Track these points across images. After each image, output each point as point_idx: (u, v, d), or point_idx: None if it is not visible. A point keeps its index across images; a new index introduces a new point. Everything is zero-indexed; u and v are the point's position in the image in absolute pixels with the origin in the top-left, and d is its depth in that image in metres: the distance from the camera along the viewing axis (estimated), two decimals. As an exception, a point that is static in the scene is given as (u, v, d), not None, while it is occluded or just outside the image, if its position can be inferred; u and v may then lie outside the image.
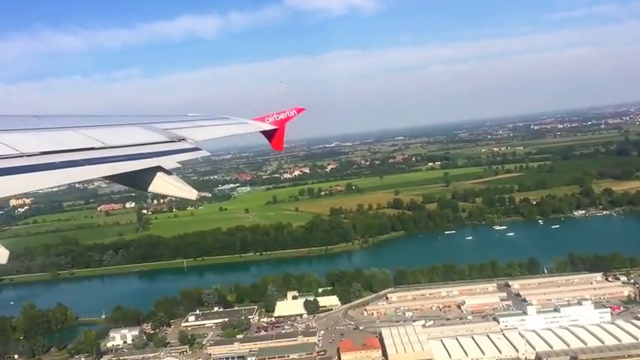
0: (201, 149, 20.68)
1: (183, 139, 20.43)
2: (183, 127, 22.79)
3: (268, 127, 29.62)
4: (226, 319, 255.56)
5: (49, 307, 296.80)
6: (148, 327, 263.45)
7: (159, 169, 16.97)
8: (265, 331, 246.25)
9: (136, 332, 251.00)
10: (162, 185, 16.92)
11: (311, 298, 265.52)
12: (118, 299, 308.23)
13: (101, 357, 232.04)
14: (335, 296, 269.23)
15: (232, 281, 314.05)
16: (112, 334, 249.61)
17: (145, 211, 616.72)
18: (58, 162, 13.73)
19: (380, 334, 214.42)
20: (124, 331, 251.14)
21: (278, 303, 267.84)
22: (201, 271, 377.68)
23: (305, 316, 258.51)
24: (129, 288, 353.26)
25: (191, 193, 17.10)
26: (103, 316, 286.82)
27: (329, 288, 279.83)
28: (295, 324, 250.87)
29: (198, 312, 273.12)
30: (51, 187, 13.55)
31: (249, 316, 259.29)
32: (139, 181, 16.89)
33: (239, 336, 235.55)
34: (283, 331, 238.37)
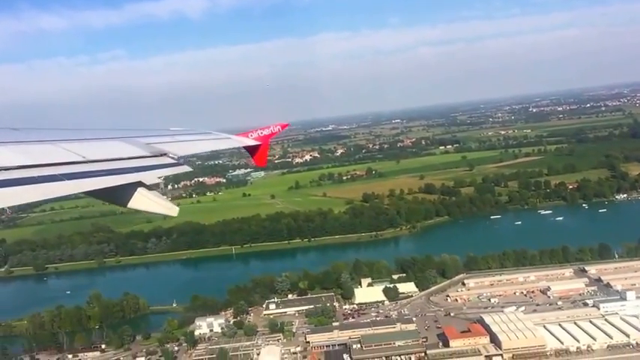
0: (182, 164, 20.56)
1: (165, 154, 20.20)
2: (164, 141, 22.64)
3: (251, 142, 29.37)
4: (310, 307, 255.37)
5: (110, 295, 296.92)
6: (227, 315, 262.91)
7: (139, 184, 16.81)
8: (353, 318, 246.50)
9: (221, 320, 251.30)
10: (143, 201, 16.74)
11: (390, 285, 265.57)
12: (180, 287, 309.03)
13: (194, 345, 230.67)
14: (412, 283, 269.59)
15: (285, 268, 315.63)
16: (198, 323, 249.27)
17: (165, 196, 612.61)
18: (36, 176, 13.53)
19: (481, 320, 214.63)
20: (210, 319, 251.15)
21: (356, 290, 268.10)
22: (250, 257, 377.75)
23: (386, 303, 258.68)
24: (184, 276, 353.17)
25: (172, 210, 17.18)
26: (175, 304, 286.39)
27: (402, 275, 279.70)
28: (380, 311, 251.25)
29: (276, 299, 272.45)
30: (27, 202, 13.17)
31: (327, 304, 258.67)
32: (119, 196, 16.64)
33: (335, 323, 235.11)
34: (378, 319, 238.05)
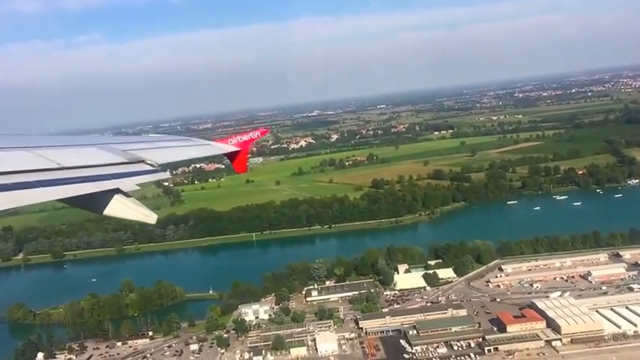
0: (161, 171, 20.29)
1: (142, 161, 20.05)
2: (143, 147, 22.49)
3: (231, 148, 29.21)
4: (353, 293, 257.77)
5: (139, 283, 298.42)
6: (268, 302, 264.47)
7: (117, 191, 16.66)
8: (397, 304, 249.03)
9: (266, 307, 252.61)
10: (120, 208, 16.58)
11: (430, 272, 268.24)
12: (211, 274, 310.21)
13: (246, 332, 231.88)
14: (450, 268, 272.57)
15: (311, 254, 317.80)
16: (244, 310, 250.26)
17: (165, 184, 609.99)
18: (9, 183, 13.39)
19: (533, 305, 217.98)
20: (256, 306, 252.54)
21: (396, 276, 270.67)
22: (271, 244, 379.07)
23: (427, 289, 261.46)
24: (210, 263, 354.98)
25: (150, 217, 16.86)
26: (211, 292, 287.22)
27: (438, 261, 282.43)
28: (423, 297, 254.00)
29: (316, 286, 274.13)
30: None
31: (371, 290, 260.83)
32: (95, 203, 16.44)
33: (384, 310, 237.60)
34: (428, 304, 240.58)
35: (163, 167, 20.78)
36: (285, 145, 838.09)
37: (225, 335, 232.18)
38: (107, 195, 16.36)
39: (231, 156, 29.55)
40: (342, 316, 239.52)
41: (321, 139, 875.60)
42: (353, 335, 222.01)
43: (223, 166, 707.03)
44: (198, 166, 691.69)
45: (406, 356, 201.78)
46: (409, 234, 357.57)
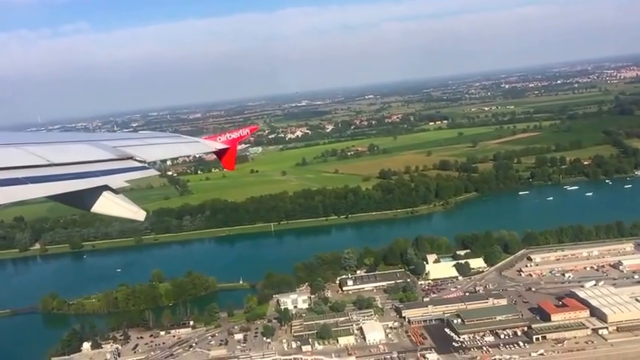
0: (150, 168, 20.47)
1: (131, 158, 20.24)
2: (132, 144, 22.66)
3: (220, 146, 29.34)
4: (389, 282, 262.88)
5: (166, 273, 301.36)
6: (302, 291, 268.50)
7: (105, 188, 16.77)
8: (433, 293, 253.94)
9: (304, 297, 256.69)
10: (109, 205, 16.65)
11: (462, 262, 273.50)
12: (236, 263, 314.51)
13: (289, 322, 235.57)
14: (480, 258, 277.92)
15: (331, 244, 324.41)
16: (282, 299, 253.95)
17: (169, 173, 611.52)
18: None
19: (573, 294, 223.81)
20: (294, 296, 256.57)
21: (428, 266, 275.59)
22: (290, 234, 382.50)
23: (460, 278, 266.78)
24: (230, 252, 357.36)
25: (138, 214, 16.86)
26: (241, 282, 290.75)
27: (466, 251, 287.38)
28: (458, 286, 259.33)
29: (350, 276, 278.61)
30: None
31: (407, 280, 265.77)
32: (84, 200, 16.54)
33: (425, 299, 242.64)
34: (467, 294, 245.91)
35: (153, 164, 21.22)
36: (282, 135, 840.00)
37: (266, 324, 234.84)
38: (96, 192, 16.48)
39: (220, 153, 29.75)
40: (380, 306, 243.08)
41: (316, 129, 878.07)
42: (397, 324, 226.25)
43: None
44: (198, 155, 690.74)
45: (455, 345, 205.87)
46: (427, 224, 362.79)
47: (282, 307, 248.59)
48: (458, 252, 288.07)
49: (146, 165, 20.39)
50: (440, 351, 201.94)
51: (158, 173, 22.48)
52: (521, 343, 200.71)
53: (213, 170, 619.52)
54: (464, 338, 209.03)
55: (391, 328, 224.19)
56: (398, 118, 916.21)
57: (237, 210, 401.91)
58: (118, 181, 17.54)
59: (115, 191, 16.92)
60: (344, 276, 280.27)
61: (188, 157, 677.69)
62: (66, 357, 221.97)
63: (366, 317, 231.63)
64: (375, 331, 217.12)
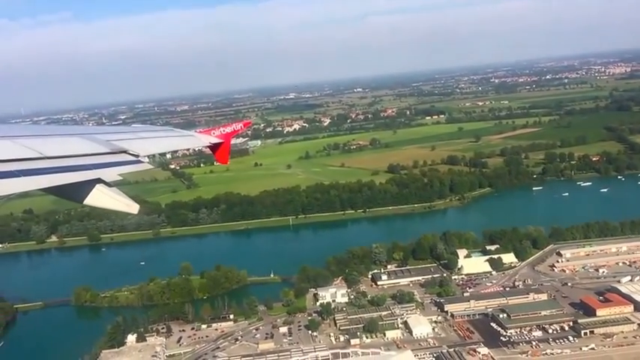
0: (143, 162, 20.57)
1: (125, 151, 20.27)
2: (125, 138, 22.71)
3: (214, 140, 29.41)
4: (426, 277, 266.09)
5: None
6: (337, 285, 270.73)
7: (98, 181, 16.85)
8: (469, 288, 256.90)
9: (342, 291, 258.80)
10: (102, 198, 16.75)
11: (494, 256, 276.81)
12: (260, 257, 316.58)
13: (331, 315, 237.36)
14: (511, 253, 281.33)
15: (352, 238, 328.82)
16: (321, 293, 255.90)
17: (172, 166, 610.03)
18: None
19: (614, 289, 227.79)
20: (332, 290, 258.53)
21: (460, 261, 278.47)
22: (307, 228, 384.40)
23: (494, 273, 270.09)
24: (253, 245, 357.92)
25: (132, 207, 16.96)
26: (272, 275, 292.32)
27: (495, 246, 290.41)
28: (493, 281, 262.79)
29: (382, 270, 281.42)
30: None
31: (443, 275, 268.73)
32: (77, 192, 16.62)
33: (465, 294, 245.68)
34: (507, 289, 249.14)
35: (152, 158, 21.61)
36: (280, 129, 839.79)
37: (311, 318, 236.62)
38: (89, 185, 16.60)
39: (214, 147, 29.86)
40: (420, 300, 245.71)
41: (312, 122, 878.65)
42: (440, 318, 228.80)
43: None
44: (197, 149, 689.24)
45: (503, 339, 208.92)
46: (447, 219, 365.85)
47: (322, 301, 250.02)
48: (487, 247, 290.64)
49: (140, 159, 20.54)
50: (488, 346, 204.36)
51: (152, 167, 22.04)
52: (570, 338, 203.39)
53: (215, 163, 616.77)
54: (511, 333, 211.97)
55: (435, 322, 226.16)
56: (393, 112, 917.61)
57: (253, 203, 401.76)
58: (111, 174, 17.71)
59: (109, 184, 17.09)
60: (375, 270, 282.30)
61: (188, 150, 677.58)
62: (115, 349, 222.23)
63: (408, 311, 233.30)
64: (422, 325, 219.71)
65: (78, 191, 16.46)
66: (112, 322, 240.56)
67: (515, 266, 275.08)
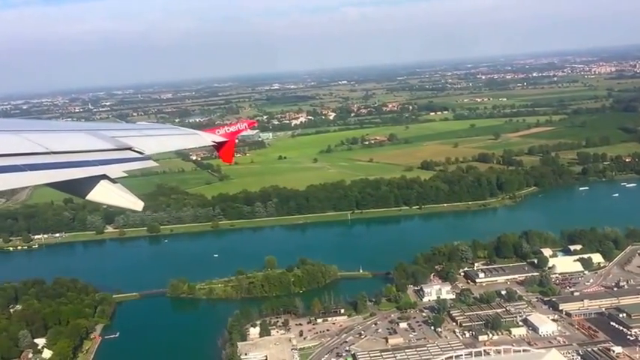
0: (148, 159, 20.79)
1: (130, 148, 20.43)
2: (131, 135, 22.82)
3: (218, 139, 29.76)
4: (522, 275, 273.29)
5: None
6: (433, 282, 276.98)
7: (103, 177, 17.00)
8: (568, 287, 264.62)
9: (447, 288, 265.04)
10: (106, 194, 16.99)
11: (585, 256, 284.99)
12: (334, 252, 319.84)
13: (446, 311, 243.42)
14: (598, 253, 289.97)
15: (419, 235, 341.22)
16: (427, 290, 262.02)
17: (193, 158, 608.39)
18: None
19: None
20: (437, 287, 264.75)
21: (552, 260, 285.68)
22: (365, 223, 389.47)
23: (586, 273, 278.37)
24: (321, 240, 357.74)
25: (136, 204, 17.26)
26: (361, 271, 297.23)
27: (579, 246, 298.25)
28: (590, 280, 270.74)
29: (475, 268, 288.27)
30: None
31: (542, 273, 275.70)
32: (82, 188, 16.84)
33: (576, 293, 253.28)
34: (615, 289, 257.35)
35: (151, 156, 21.58)
36: (287, 121, 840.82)
37: (434, 315, 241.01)
38: (93, 181, 16.79)
39: (218, 146, 30.27)
40: (526, 299, 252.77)
41: (316, 115, 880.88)
42: (556, 317, 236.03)
43: (236, 140, 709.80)
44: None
45: (630, 338, 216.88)
46: (508, 217, 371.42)
47: (428, 298, 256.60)
48: (570, 247, 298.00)
49: (145, 156, 20.71)
50: (619, 345, 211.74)
51: (157, 164, 22.73)
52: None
53: (236, 155, 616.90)
54: (636, 332, 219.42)
55: (554, 320, 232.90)
56: (394, 107, 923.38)
57: (308, 198, 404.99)
58: (116, 170, 17.97)
59: (114, 181, 17.34)
60: (466, 268, 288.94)
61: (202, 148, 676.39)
62: (251, 342, 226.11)
63: (522, 309, 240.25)
64: (547, 324, 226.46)
65: (83, 187, 16.86)
66: (231, 315, 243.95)
67: (604, 266, 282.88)
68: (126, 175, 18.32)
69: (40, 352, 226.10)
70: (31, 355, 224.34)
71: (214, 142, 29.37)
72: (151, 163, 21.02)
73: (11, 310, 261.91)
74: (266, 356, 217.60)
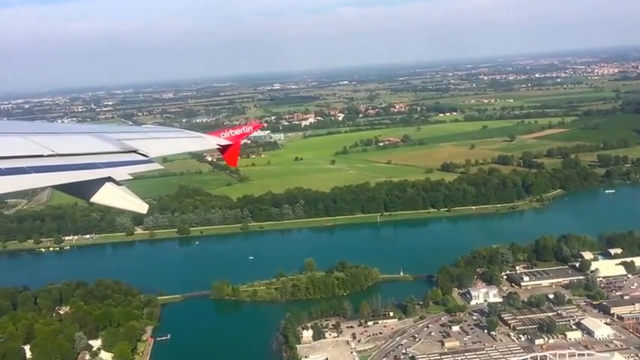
0: (153, 162, 20.79)
1: (135, 151, 20.44)
2: (136, 138, 22.91)
3: (223, 142, 29.66)
4: (567, 279, 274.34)
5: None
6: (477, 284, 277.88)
7: (108, 179, 16.95)
8: (615, 291, 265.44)
9: (494, 291, 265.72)
10: (111, 197, 16.93)
11: (627, 259, 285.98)
12: (369, 254, 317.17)
13: (497, 315, 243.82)
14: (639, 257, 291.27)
15: (452, 237, 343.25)
16: (474, 293, 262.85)
17: (209, 159, 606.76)
18: (2, 168, 13.79)
19: None
20: (484, 290, 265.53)
21: (595, 264, 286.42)
22: (396, 226, 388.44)
23: (630, 276, 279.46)
24: (354, 242, 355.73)
25: (141, 207, 17.11)
26: (401, 273, 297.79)
27: (619, 250, 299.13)
28: (635, 283, 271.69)
29: (518, 271, 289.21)
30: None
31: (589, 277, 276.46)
32: (87, 190, 16.80)
33: (626, 297, 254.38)
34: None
35: (157, 159, 21.58)
36: (297, 122, 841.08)
37: (488, 318, 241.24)
38: (99, 183, 16.73)
39: (223, 149, 30.29)
40: (574, 302, 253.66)
41: (325, 116, 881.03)
42: (609, 321, 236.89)
43: (248, 141, 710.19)
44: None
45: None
46: (540, 220, 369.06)
47: (476, 301, 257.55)
48: (610, 250, 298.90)
49: (149, 158, 20.68)
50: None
51: (162, 167, 22.52)
52: None
53: (250, 156, 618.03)
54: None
55: (606, 324, 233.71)
56: (402, 107, 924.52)
57: (336, 200, 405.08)
58: (121, 173, 17.92)
59: (119, 183, 17.29)
60: (508, 271, 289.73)
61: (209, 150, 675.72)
62: (309, 344, 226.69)
63: (574, 313, 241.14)
64: (602, 327, 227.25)
65: (87, 189, 16.85)
66: (283, 317, 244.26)
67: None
68: (131, 177, 18.25)
69: (96, 353, 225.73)
70: (88, 357, 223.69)
71: (219, 145, 29.53)
72: (156, 166, 21.08)
73: (61, 312, 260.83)
74: (327, 359, 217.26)
